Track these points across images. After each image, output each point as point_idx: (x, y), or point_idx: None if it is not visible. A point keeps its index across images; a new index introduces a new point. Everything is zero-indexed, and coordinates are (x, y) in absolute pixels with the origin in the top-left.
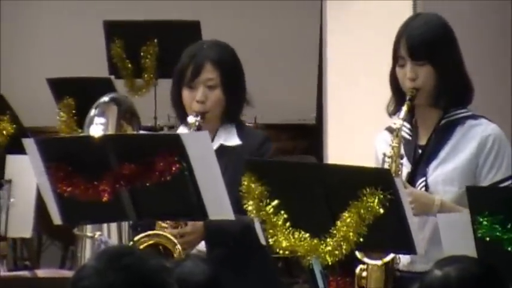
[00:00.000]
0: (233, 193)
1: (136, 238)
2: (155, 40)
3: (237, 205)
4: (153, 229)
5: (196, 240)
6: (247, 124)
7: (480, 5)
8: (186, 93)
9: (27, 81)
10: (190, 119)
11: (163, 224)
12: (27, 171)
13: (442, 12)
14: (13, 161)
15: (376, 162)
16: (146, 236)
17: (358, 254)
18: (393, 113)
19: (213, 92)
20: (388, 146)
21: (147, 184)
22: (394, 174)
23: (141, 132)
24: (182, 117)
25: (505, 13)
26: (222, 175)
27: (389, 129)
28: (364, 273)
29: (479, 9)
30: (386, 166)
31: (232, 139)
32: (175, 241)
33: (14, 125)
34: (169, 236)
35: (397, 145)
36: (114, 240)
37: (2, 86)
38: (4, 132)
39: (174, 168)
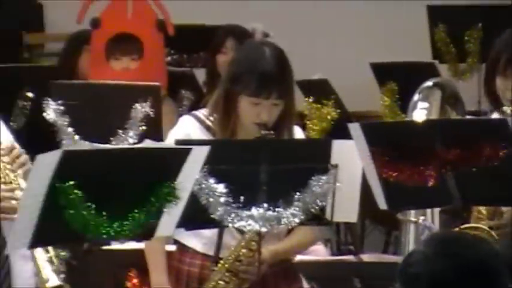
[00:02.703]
0: None
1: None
2: (479, 24)
3: None
4: (464, 217)
5: None
6: None
7: None
8: (499, 81)
9: (351, 66)
10: (505, 108)
11: (480, 215)
12: (353, 155)
13: None
14: (339, 146)
15: None
16: (466, 228)
17: None
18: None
19: None
20: None
21: (473, 169)
22: None
23: (466, 117)
24: (494, 104)
25: None
26: None
27: None
28: None
29: None
30: None
31: None
32: (494, 235)
33: (338, 110)
34: (487, 229)
35: None
36: (437, 226)
37: (327, 70)
38: (328, 116)
39: (501, 154)
